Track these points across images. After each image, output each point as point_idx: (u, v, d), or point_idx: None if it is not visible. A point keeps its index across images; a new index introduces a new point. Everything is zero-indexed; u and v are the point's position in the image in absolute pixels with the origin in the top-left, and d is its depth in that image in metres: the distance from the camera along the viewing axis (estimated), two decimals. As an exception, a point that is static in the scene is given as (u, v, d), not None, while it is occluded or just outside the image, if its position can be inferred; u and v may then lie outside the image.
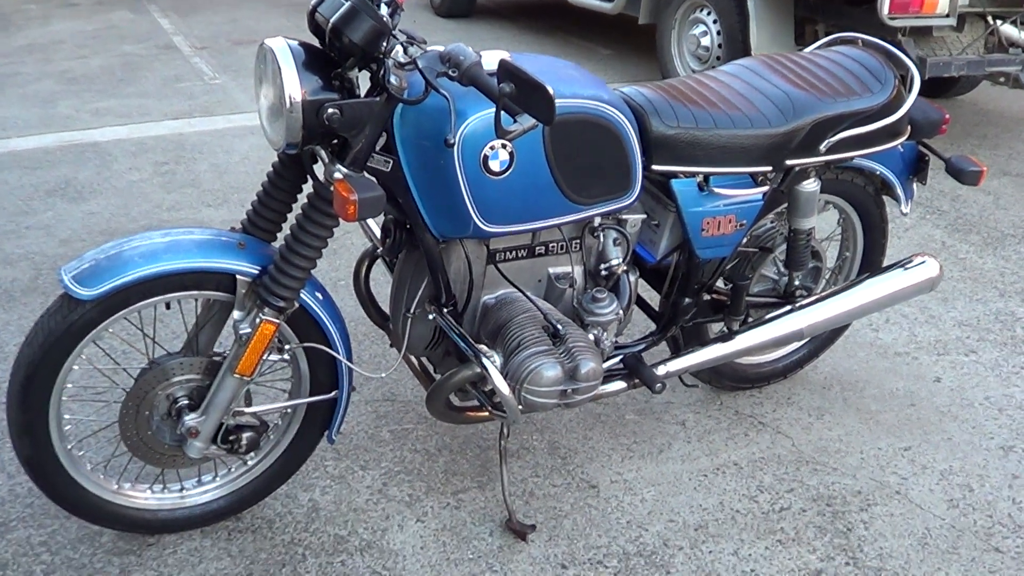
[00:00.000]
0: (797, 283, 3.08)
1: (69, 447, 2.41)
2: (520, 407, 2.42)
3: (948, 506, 2.85)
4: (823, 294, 3.06)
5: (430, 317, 2.51)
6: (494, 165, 2.25)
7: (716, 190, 2.67)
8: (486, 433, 3.09)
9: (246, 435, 2.45)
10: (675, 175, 2.62)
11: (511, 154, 2.26)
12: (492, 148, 2.23)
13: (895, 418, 3.26)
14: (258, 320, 2.30)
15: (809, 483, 2.95)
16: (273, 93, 2.18)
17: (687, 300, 2.84)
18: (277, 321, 2.31)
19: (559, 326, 2.47)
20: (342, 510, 2.75)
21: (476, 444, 3.05)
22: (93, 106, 6.22)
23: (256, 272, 2.31)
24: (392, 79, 2.10)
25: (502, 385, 2.38)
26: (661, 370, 2.84)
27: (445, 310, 2.49)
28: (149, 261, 2.23)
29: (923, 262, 3.10)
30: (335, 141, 2.22)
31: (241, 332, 2.31)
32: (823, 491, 2.91)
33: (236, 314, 2.35)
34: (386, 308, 2.87)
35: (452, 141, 2.14)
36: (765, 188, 2.75)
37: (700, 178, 2.65)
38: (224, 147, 5.56)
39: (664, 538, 2.71)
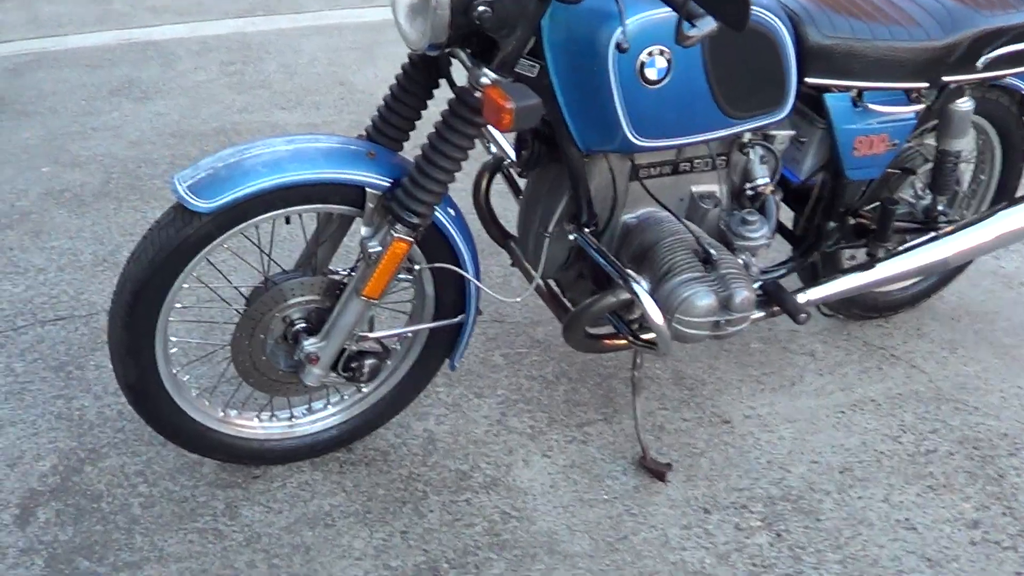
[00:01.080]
0: (940, 208, 2.82)
1: (175, 371, 2.21)
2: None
3: (1113, 453, 2.63)
4: (967, 221, 2.81)
5: (571, 237, 2.28)
6: (650, 73, 2.04)
7: (870, 106, 2.44)
8: (605, 360, 2.87)
9: (368, 362, 2.24)
10: (828, 89, 2.40)
11: (669, 62, 2.04)
12: (650, 55, 2.02)
13: (1035, 356, 3.04)
14: (389, 238, 2.07)
15: (952, 423, 2.73)
16: None
17: (831, 224, 2.62)
18: (410, 239, 2.08)
19: (712, 251, 2.23)
20: (460, 442, 2.55)
21: (596, 372, 2.84)
22: (149, 3, 5.92)
23: (388, 185, 2.08)
24: None
25: (655, 314, 2.16)
26: (802, 298, 2.62)
27: (587, 230, 2.26)
28: (273, 171, 2.00)
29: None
30: (478, 43, 1.97)
31: (371, 250, 2.09)
32: (968, 433, 2.69)
33: (364, 230, 2.13)
34: (508, 226, 2.64)
35: (626, 46, 1.90)
36: (920, 106, 2.51)
37: (854, 93, 2.42)
38: (291, 47, 5.27)
39: (809, 481, 2.51)
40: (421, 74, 2.14)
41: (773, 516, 2.39)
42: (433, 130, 2.06)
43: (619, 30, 1.93)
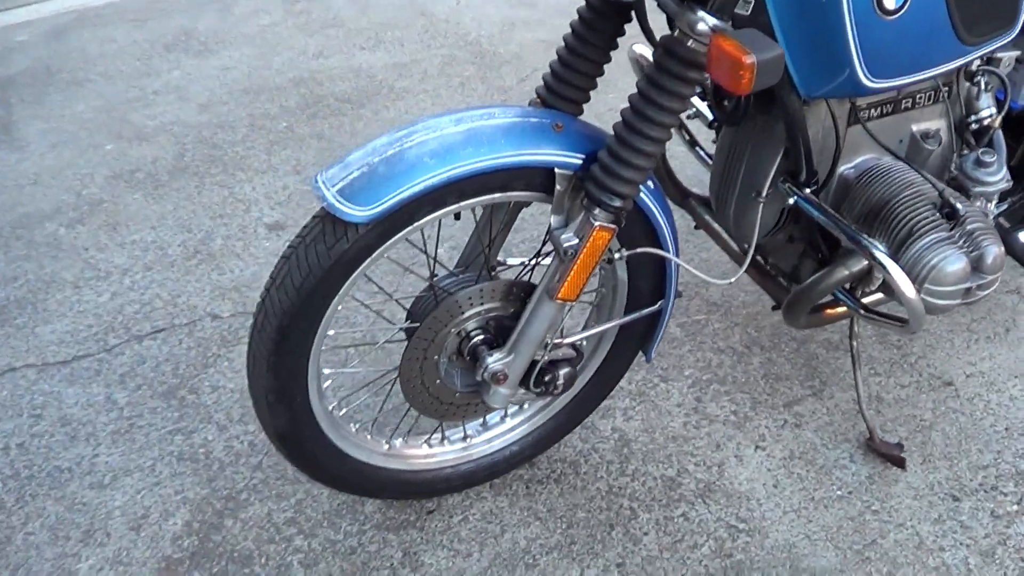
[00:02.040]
0: None
1: (331, 407, 1.86)
2: None
3: None
4: None
5: (790, 200, 1.89)
6: (889, 2, 1.66)
7: None
8: (793, 320, 2.50)
9: (563, 371, 1.87)
10: None
11: None
12: None
13: None
14: (589, 227, 1.69)
15: None
16: None
17: None
18: (613, 226, 1.70)
19: (958, 204, 1.84)
20: (658, 440, 2.20)
21: (789, 336, 2.46)
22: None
23: (579, 162, 1.69)
24: None
25: (907, 286, 1.78)
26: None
27: (807, 189, 1.88)
28: (444, 161, 1.61)
29: None
30: None
31: (566, 245, 1.70)
32: None
33: (554, 220, 1.75)
34: (686, 182, 2.26)
35: None
36: None
37: None
38: (353, -24, 4.83)
39: (1064, 450, 2.15)
40: (604, 20, 1.74)
41: (1035, 498, 2.05)
42: (636, 91, 1.66)
43: None
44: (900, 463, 2.10)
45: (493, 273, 1.91)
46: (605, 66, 1.80)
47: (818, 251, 2.04)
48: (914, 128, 1.99)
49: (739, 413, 2.25)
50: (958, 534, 1.97)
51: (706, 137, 2.30)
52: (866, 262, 1.88)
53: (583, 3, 1.75)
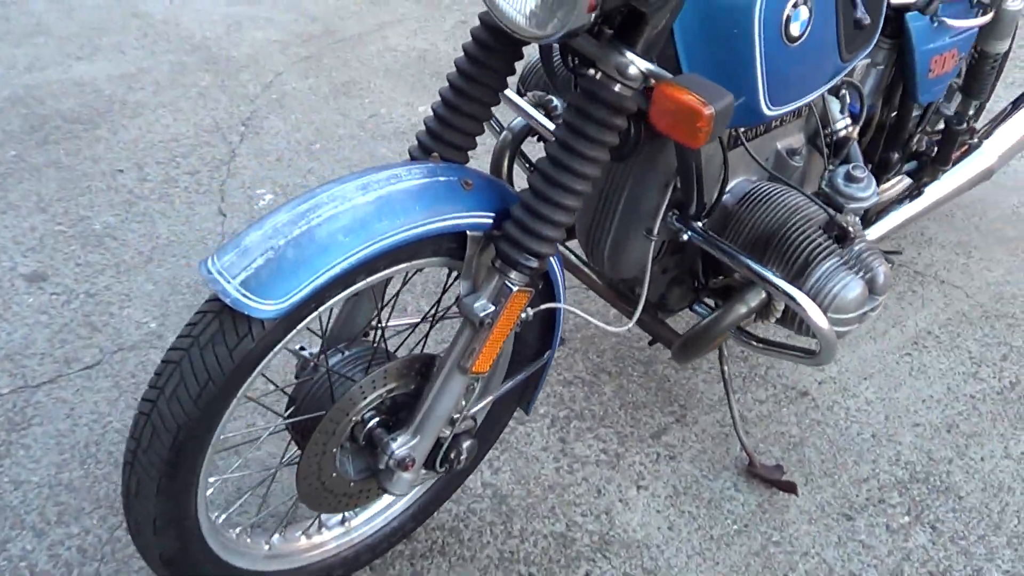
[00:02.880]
0: (972, 113, 2.47)
1: (215, 517, 1.58)
2: None
3: None
4: (995, 120, 2.52)
5: (685, 236, 1.77)
6: (794, 28, 1.58)
7: (947, 21, 2.08)
8: (634, 340, 2.39)
9: (466, 445, 1.66)
10: (908, 7, 2.03)
11: (810, 10, 1.58)
12: (795, 5, 1.55)
13: (1043, 244, 2.84)
14: (506, 291, 1.49)
15: (1015, 343, 2.49)
16: None
17: (895, 155, 2.27)
18: (531, 289, 1.51)
19: (849, 226, 1.78)
20: (535, 492, 2.02)
21: (633, 358, 2.36)
22: None
23: (490, 222, 1.48)
24: None
25: (820, 319, 1.71)
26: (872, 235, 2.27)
27: (700, 223, 1.77)
28: (361, 238, 1.36)
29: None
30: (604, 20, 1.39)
31: (483, 314, 1.49)
32: (1038, 350, 2.46)
33: (464, 286, 1.53)
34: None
35: (866, 20, 1.38)
36: (989, 14, 2.20)
37: (934, 8, 2.03)
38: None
39: (924, 451, 2.18)
40: (494, 57, 1.52)
41: (915, 504, 2.05)
42: (554, 140, 1.46)
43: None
44: (791, 488, 2.05)
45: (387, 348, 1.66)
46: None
47: (694, 279, 1.93)
48: (779, 145, 1.94)
49: (609, 451, 2.12)
50: (862, 556, 1.94)
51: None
52: (764, 295, 1.79)
53: (471, 43, 1.52)
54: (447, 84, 1.54)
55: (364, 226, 1.37)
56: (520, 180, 2.04)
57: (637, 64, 1.38)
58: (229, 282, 1.30)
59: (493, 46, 1.50)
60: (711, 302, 1.99)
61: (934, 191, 2.37)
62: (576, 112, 1.43)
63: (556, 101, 1.92)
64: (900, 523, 2.01)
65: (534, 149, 2.04)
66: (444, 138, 1.55)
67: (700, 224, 1.78)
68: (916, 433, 2.22)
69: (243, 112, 3.29)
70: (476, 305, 1.49)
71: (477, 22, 1.51)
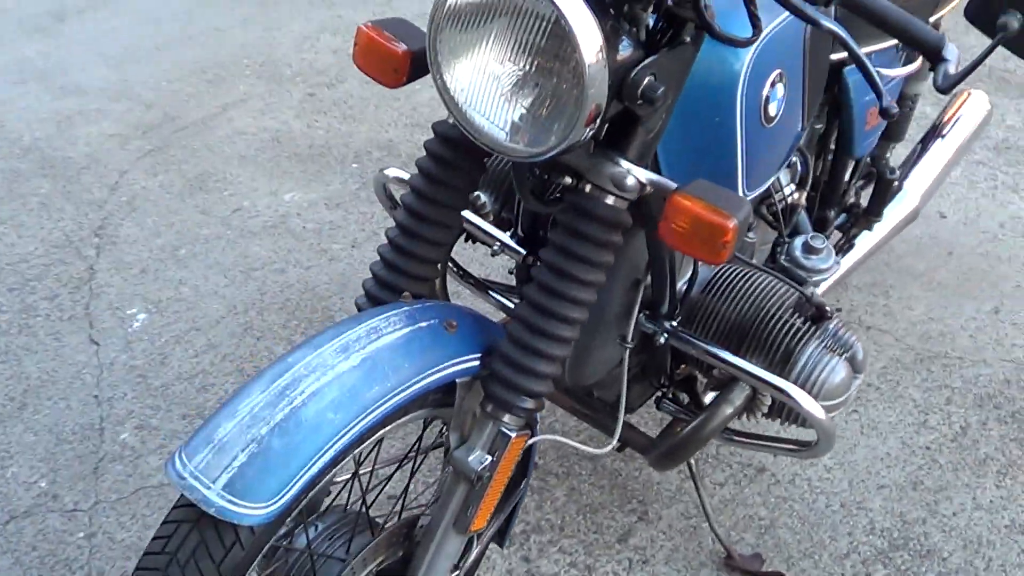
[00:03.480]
0: (888, 156, 2.41)
1: None
2: None
3: None
4: (908, 163, 2.48)
5: (661, 339, 1.60)
6: (772, 108, 1.46)
7: (883, 72, 2.02)
8: (570, 433, 2.21)
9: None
10: (844, 63, 1.92)
11: (785, 87, 1.47)
12: (772, 84, 1.43)
13: (952, 276, 2.81)
14: (503, 439, 1.30)
15: (954, 384, 2.44)
16: (529, 60, 1.12)
17: (831, 212, 2.19)
18: (528, 431, 1.33)
19: (826, 306, 1.66)
20: (511, 624, 1.82)
21: (576, 457, 2.18)
22: None
23: (477, 363, 1.29)
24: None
25: (817, 410, 1.56)
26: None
27: (674, 322, 1.62)
28: (353, 412, 1.14)
29: (970, 96, 2.61)
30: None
31: (480, 468, 1.30)
32: (976, 391, 2.42)
33: (453, 439, 1.33)
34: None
35: (894, 111, 1.23)
36: (917, 62, 2.16)
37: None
38: None
39: (898, 514, 2.08)
40: (458, 174, 1.33)
41: (902, 574, 1.94)
42: (542, 265, 1.28)
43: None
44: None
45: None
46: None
47: (659, 377, 1.77)
48: None
49: (578, 563, 1.93)
50: (867, 645, 1.81)
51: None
52: (749, 390, 1.63)
53: (426, 159, 1.32)
54: (402, 209, 1.33)
55: (354, 398, 1.14)
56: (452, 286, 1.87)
57: (636, 174, 1.20)
58: (210, 488, 1.05)
59: (453, 161, 1.30)
60: (676, 395, 1.83)
61: (865, 242, 2.29)
62: (566, 232, 1.24)
63: (484, 198, 1.73)
64: (894, 599, 1.89)
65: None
66: (408, 271, 1.33)
67: (674, 323, 1.62)
68: (883, 496, 2.11)
69: (93, 221, 2.98)
70: (471, 459, 1.29)
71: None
